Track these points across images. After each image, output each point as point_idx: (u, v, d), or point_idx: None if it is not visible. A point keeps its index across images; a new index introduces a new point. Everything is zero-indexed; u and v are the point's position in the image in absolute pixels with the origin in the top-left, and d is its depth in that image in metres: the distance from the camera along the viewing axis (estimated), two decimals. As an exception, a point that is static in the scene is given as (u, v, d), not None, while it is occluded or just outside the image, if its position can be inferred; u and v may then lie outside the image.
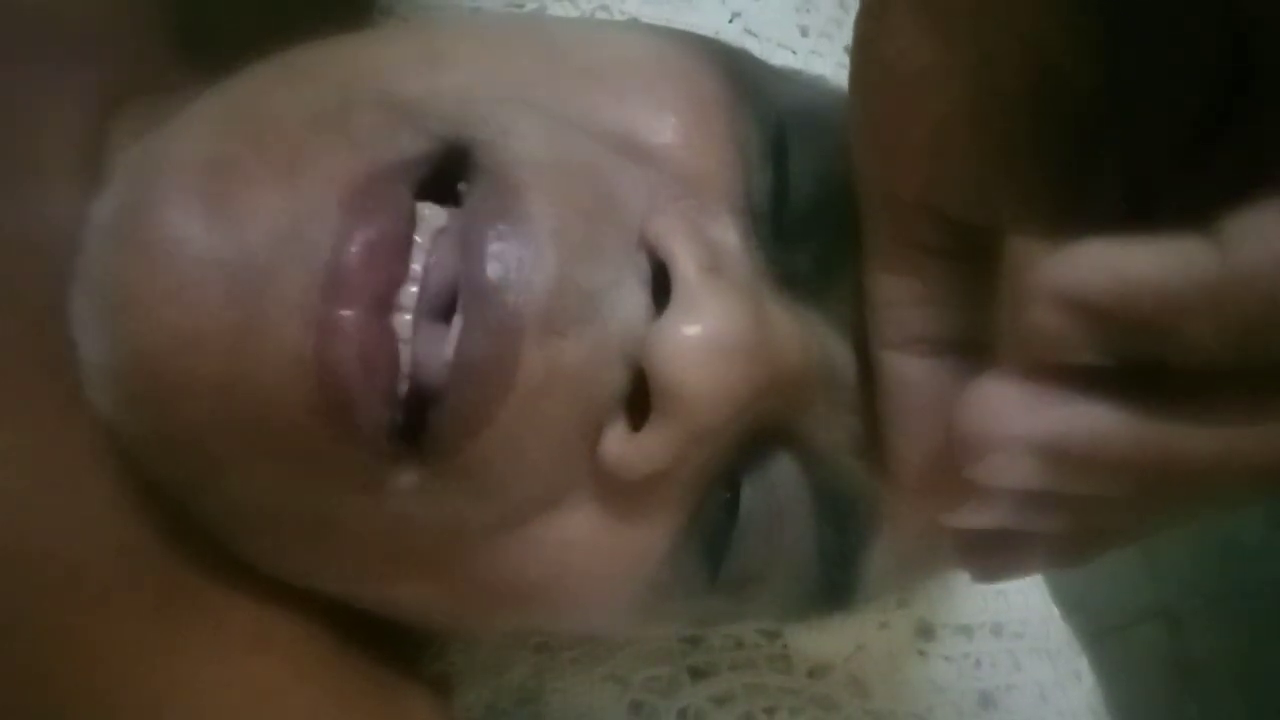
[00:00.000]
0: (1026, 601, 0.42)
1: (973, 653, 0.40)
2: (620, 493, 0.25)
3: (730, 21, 0.43)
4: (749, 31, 0.43)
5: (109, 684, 0.25)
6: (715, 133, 0.26)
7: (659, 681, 0.36)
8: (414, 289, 0.23)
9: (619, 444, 0.24)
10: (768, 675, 0.37)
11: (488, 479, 0.24)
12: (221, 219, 0.23)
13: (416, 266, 0.23)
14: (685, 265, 0.24)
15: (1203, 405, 0.16)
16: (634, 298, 0.24)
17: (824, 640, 0.38)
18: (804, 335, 0.26)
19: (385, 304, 0.23)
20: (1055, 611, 0.43)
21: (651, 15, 0.41)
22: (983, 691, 0.40)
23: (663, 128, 0.26)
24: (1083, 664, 0.42)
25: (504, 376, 0.23)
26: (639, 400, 0.24)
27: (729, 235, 0.26)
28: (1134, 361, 0.16)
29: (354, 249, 0.22)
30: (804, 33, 0.44)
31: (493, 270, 0.23)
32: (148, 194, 0.24)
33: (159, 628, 0.26)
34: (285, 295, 0.22)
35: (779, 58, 0.42)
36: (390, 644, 0.31)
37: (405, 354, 0.23)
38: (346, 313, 0.22)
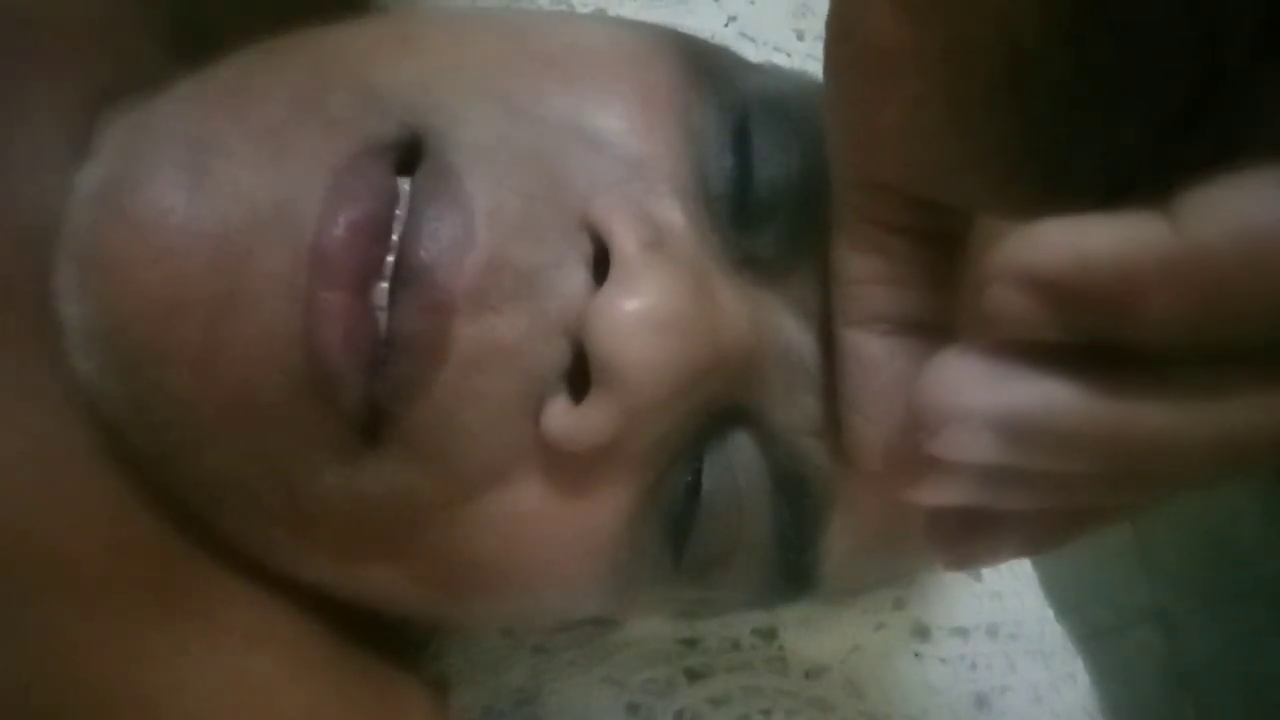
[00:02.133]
0: (1022, 603, 0.42)
1: (968, 654, 0.40)
2: (568, 467, 0.25)
3: (726, 25, 0.43)
4: (745, 35, 0.43)
5: (104, 682, 0.25)
6: (663, 117, 0.27)
7: (656, 683, 0.36)
8: (391, 259, 0.24)
9: (560, 416, 0.25)
10: (764, 677, 0.37)
11: (430, 449, 0.24)
12: (205, 191, 0.24)
13: (395, 237, 0.24)
14: (624, 242, 0.24)
15: (1159, 381, 0.16)
16: (575, 276, 0.25)
17: (820, 642, 0.38)
18: (754, 314, 0.26)
19: (367, 284, 0.23)
20: (1050, 613, 0.43)
21: (648, 19, 0.41)
22: (978, 693, 0.40)
23: (609, 113, 0.26)
24: (1078, 666, 0.42)
25: (435, 349, 0.23)
26: (583, 375, 0.24)
27: (673, 215, 0.26)
28: (1094, 338, 0.16)
29: (338, 230, 0.23)
30: (800, 36, 0.44)
31: (425, 250, 0.23)
32: (133, 165, 0.24)
33: (154, 626, 0.26)
34: (269, 270, 0.23)
35: (775, 61, 0.42)
36: (387, 643, 0.31)
37: (381, 321, 0.24)
38: (332, 295, 0.23)
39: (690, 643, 0.37)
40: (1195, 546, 1.06)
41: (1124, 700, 0.45)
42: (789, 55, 0.43)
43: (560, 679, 0.36)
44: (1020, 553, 0.20)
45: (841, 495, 0.28)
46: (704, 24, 0.42)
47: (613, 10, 0.43)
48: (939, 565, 0.22)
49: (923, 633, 0.40)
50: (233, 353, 0.23)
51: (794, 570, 0.29)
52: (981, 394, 0.17)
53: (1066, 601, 0.44)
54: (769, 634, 0.38)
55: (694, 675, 0.37)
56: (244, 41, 0.27)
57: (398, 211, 0.24)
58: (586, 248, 0.25)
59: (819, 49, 0.43)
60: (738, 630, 0.38)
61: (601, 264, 0.25)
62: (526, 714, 0.35)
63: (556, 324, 0.24)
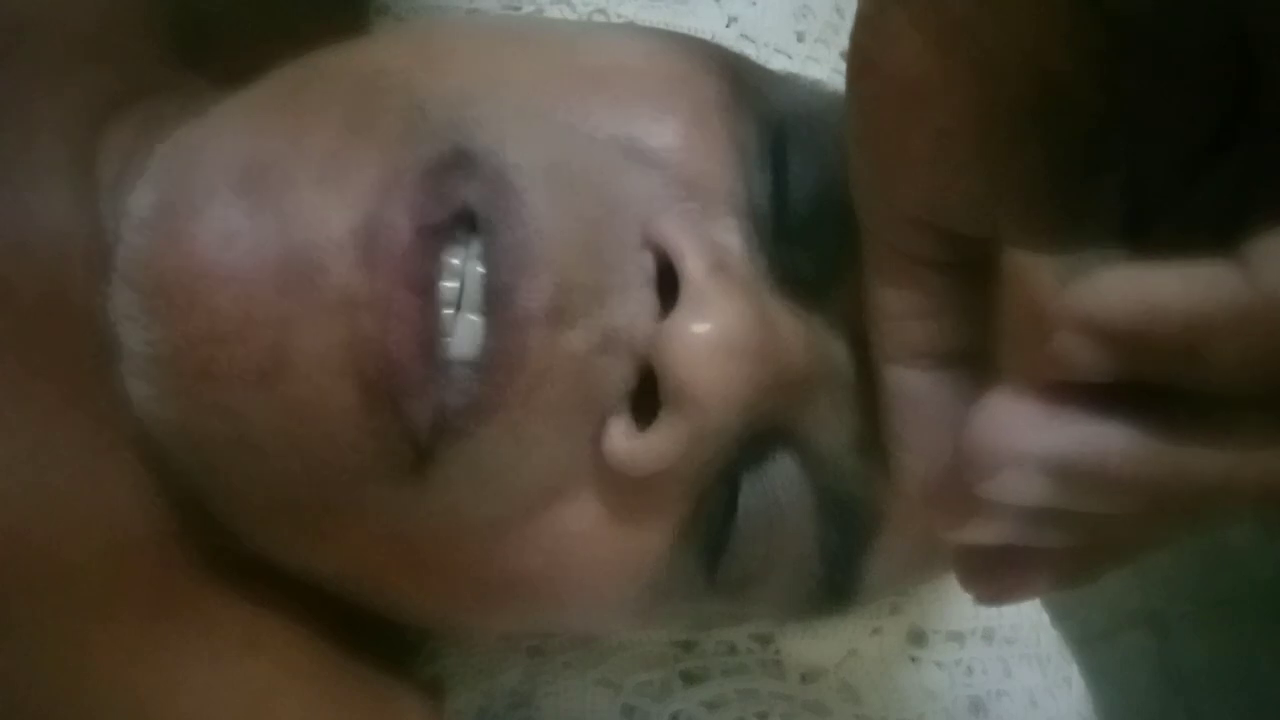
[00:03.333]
0: (1017, 608, 0.42)
1: (964, 659, 0.40)
2: (622, 489, 0.25)
3: (727, 26, 0.43)
4: (745, 36, 0.43)
5: (100, 686, 0.25)
6: (716, 135, 0.26)
7: (651, 686, 0.36)
8: (453, 284, 0.24)
9: (625, 439, 0.24)
10: (760, 680, 0.37)
11: (491, 464, 0.24)
12: (266, 214, 0.24)
13: (455, 261, 0.24)
14: (694, 265, 0.24)
15: (1214, 426, 0.16)
16: (640, 296, 0.25)
17: (816, 646, 0.38)
18: (807, 335, 0.26)
19: (436, 293, 0.23)
20: (1046, 618, 0.43)
21: (648, 19, 0.41)
22: (973, 698, 0.40)
23: (663, 131, 0.26)
24: (1073, 671, 0.42)
25: (511, 367, 0.23)
26: (644, 398, 0.24)
27: (732, 237, 0.26)
28: (1154, 382, 0.16)
29: (412, 238, 0.23)
30: (800, 38, 0.44)
31: (504, 272, 0.23)
32: (190, 188, 0.24)
33: (151, 630, 0.26)
34: (340, 283, 0.23)
35: (775, 63, 0.42)
36: (383, 647, 0.31)
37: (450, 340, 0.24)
38: (408, 297, 0.23)
39: (686, 646, 0.37)
40: (1188, 551, 1.06)
41: (1117, 704, 0.45)
42: (789, 57, 0.43)
43: (555, 681, 0.36)
44: (1052, 588, 0.20)
45: (888, 516, 0.27)
46: (704, 25, 0.42)
47: (613, 10, 0.42)
48: (971, 599, 0.21)
49: (919, 637, 0.40)
50: (300, 368, 0.23)
51: (836, 588, 0.29)
52: (1035, 437, 0.17)
53: (1061, 606, 0.44)
54: (765, 638, 0.38)
55: (690, 678, 0.37)
56: (250, 50, 0.27)
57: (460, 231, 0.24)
58: (650, 268, 0.25)
59: (819, 51, 0.44)
60: (734, 634, 0.38)
61: (665, 285, 0.25)
62: (521, 716, 0.35)
63: (623, 344, 0.24)
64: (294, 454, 0.24)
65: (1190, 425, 0.16)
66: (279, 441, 0.24)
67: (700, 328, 0.24)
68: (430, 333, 0.23)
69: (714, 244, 0.25)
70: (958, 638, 0.41)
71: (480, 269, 0.24)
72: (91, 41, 0.30)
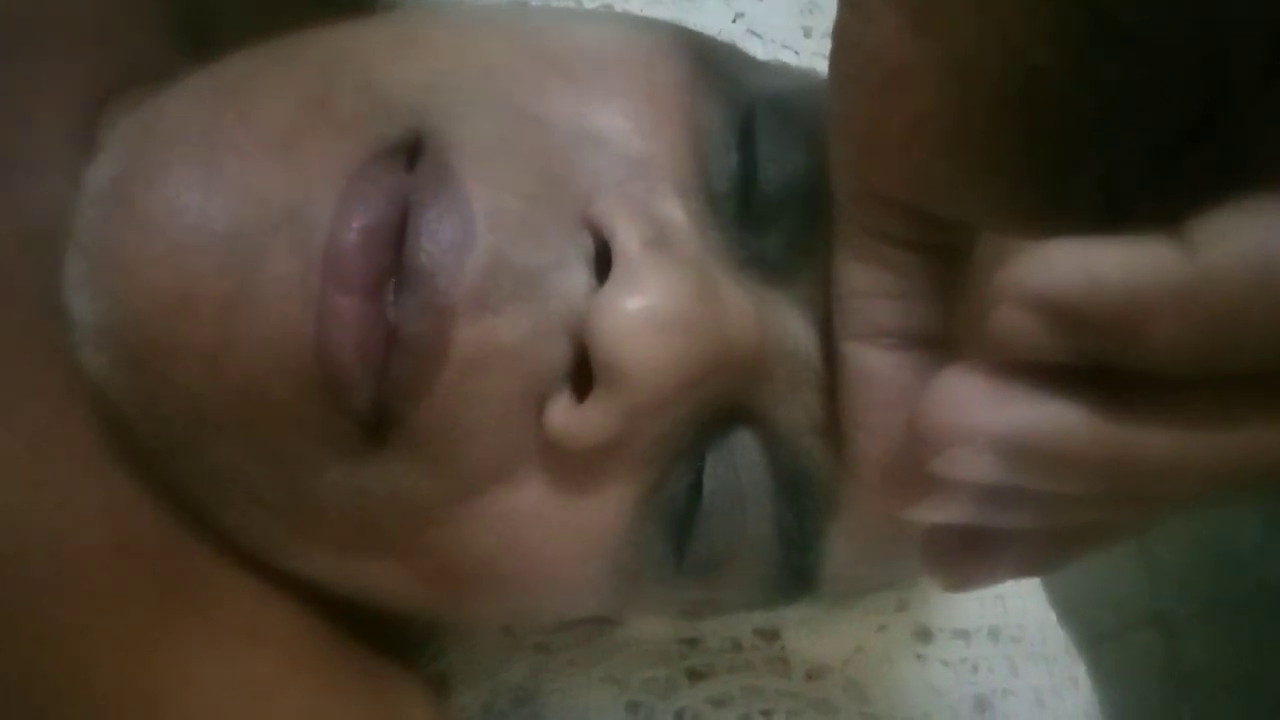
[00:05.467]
0: (1024, 606, 0.42)
1: (970, 657, 0.40)
2: (570, 466, 0.25)
3: (734, 21, 0.43)
4: (752, 32, 0.43)
5: (103, 680, 0.25)
6: (668, 116, 0.26)
7: (656, 683, 0.36)
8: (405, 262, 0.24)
9: (562, 415, 0.24)
10: (765, 678, 0.37)
11: (434, 449, 0.24)
12: (217, 190, 0.24)
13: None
14: (626, 240, 0.24)
15: (1164, 405, 0.16)
16: (576, 275, 0.24)
17: (822, 643, 0.38)
18: (760, 313, 0.26)
19: (379, 288, 0.23)
20: (1053, 617, 0.43)
21: (654, 14, 0.41)
22: (979, 696, 0.40)
23: (612, 112, 0.26)
24: (1080, 670, 0.42)
25: (435, 350, 0.23)
26: (585, 374, 0.24)
27: (676, 214, 0.26)
28: (1099, 361, 0.16)
29: (351, 235, 0.23)
30: (807, 34, 0.44)
31: (425, 253, 0.23)
32: (144, 161, 0.24)
33: (152, 622, 0.26)
34: (280, 272, 0.23)
35: (782, 59, 0.42)
36: (387, 642, 0.31)
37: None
38: (345, 299, 0.23)
39: (691, 642, 0.37)
40: (1196, 552, 1.06)
41: (1123, 704, 0.44)
42: (797, 53, 0.43)
43: (560, 678, 0.36)
44: (1018, 573, 0.20)
45: (845, 497, 0.27)
46: (711, 20, 0.42)
47: (619, 6, 0.42)
48: (935, 587, 0.21)
49: (925, 635, 0.40)
50: (241, 352, 0.23)
51: (796, 570, 0.28)
52: (985, 413, 0.17)
53: (1067, 605, 0.44)
54: (771, 634, 0.38)
55: (695, 675, 0.37)
56: (249, 35, 0.27)
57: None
58: (588, 247, 0.25)
59: (827, 46, 0.43)
60: (739, 630, 0.38)
61: (603, 263, 0.24)
62: (526, 713, 0.35)
63: (558, 323, 0.24)
64: (247, 436, 0.24)
65: (1139, 405, 0.16)
66: (226, 421, 0.24)
67: (630, 302, 0.23)
68: (367, 324, 0.23)
69: (655, 221, 0.25)
70: (964, 635, 0.40)
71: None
72: (91, 28, 0.30)
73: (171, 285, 0.23)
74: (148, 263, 0.23)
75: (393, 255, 0.23)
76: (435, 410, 0.24)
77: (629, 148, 0.26)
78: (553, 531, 0.26)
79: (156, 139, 0.25)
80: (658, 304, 0.23)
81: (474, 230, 0.24)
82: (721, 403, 0.26)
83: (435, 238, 0.23)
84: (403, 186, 0.24)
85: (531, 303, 0.24)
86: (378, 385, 0.23)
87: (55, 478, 0.25)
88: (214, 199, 0.23)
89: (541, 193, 0.25)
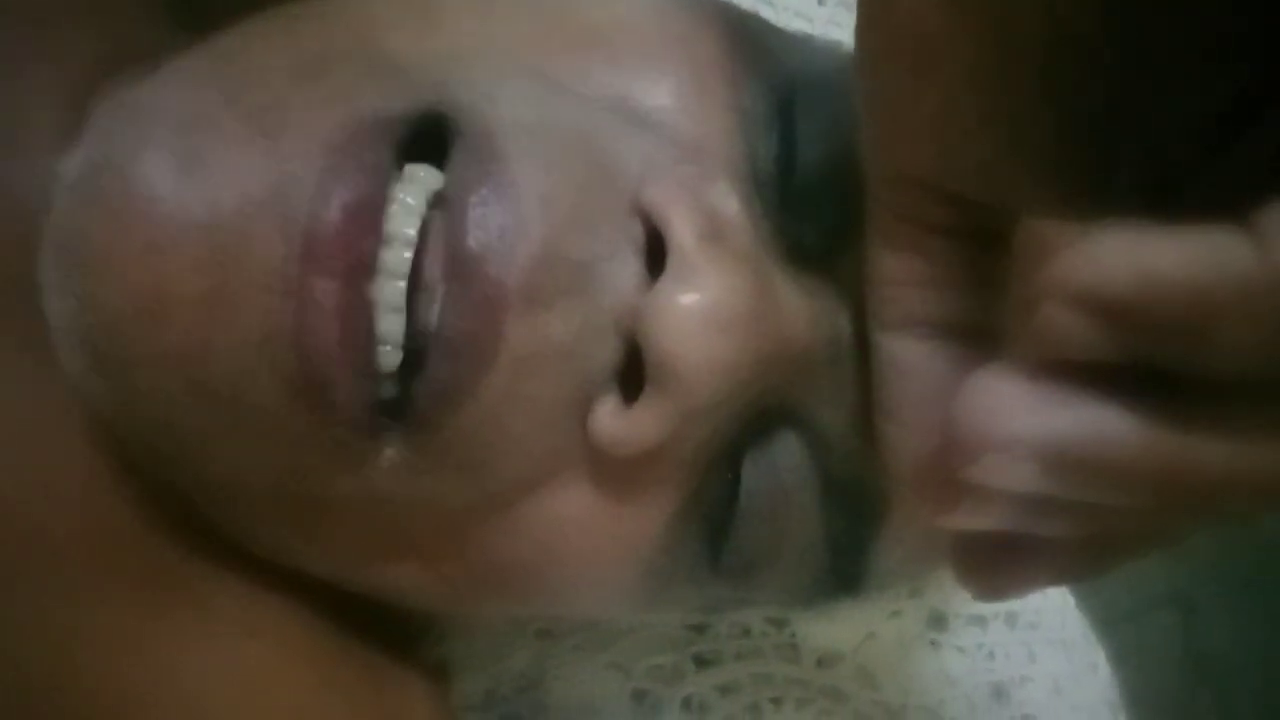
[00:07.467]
0: (1042, 591, 0.41)
1: (986, 643, 0.39)
2: (614, 470, 0.24)
3: (745, -12, 0.42)
4: (765, 0, 0.42)
5: (94, 673, 0.24)
6: (715, 97, 0.25)
7: (663, 670, 0.36)
8: (408, 254, 0.22)
9: (611, 419, 0.23)
10: (775, 664, 0.37)
11: (472, 455, 0.23)
12: (194, 177, 0.22)
13: (410, 231, 0.22)
14: (682, 232, 0.23)
15: (1219, 413, 0.15)
16: (628, 268, 0.23)
17: (833, 629, 0.38)
18: (811, 308, 0.25)
19: (361, 272, 0.22)
20: (1072, 602, 0.42)
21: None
22: (995, 683, 0.39)
23: (659, 92, 0.25)
24: (1099, 656, 0.41)
25: (485, 350, 0.22)
26: (633, 373, 0.23)
27: (729, 202, 0.24)
28: (1151, 363, 0.15)
29: (331, 214, 0.21)
30: (821, 1, 0.43)
31: (475, 239, 0.22)
32: (117, 149, 0.23)
33: (143, 614, 0.25)
34: (259, 263, 0.21)
35: (795, 26, 0.41)
36: (387, 629, 0.30)
37: (397, 323, 0.22)
38: (324, 283, 0.21)
39: (699, 629, 0.37)
40: (1215, 532, 1.05)
41: (1142, 685, 0.44)
42: (810, 21, 0.42)
43: (564, 665, 0.35)
44: (1053, 582, 0.19)
45: (896, 500, 0.26)
46: (723, -12, 0.41)
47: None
48: (968, 594, 0.20)
49: (939, 621, 0.39)
50: (222, 356, 0.22)
51: (844, 575, 0.27)
52: (1026, 420, 0.16)
53: (1085, 586, 0.43)
54: (780, 621, 0.37)
55: (702, 662, 0.36)
56: (246, 8, 0.26)
57: (410, 199, 0.22)
58: (639, 236, 0.24)
59: (840, 15, 0.43)
60: (748, 617, 0.37)
61: (655, 253, 0.23)
62: (530, 700, 0.35)
63: (609, 320, 0.23)
64: (233, 443, 0.23)
65: (1195, 413, 0.15)
66: (215, 430, 0.23)
67: (687, 298, 0.22)
68: (349, 313, 0.21)
69: (709, 210, 0.24)
70: (980, 621, 0.40)
71: (443, 240, 0.22)
72: (86, 10, 0.29)
73: (146, 287, 0.22)
74: (120, 262, 0.22)
75: (377, 233, 0.22)
76: (477, 416, 0.22)
77: (677, 130, 0.25)
78: (591, 539, 0.25)
79: (131, 124, 0.23)
80: (715, 301, 0.22)
81: (526, 216, 0.22)
82: (766, 401, 0.25)
83: (484, 223, 0.22)
84: (386, 161, 0.22)
85: (583, 296, 0.23)
86: (363, 384, 0.22)
87: (36, 465, 0.25)
88: (190, 186, 0.22)
89: (590, 177, 0.23)
